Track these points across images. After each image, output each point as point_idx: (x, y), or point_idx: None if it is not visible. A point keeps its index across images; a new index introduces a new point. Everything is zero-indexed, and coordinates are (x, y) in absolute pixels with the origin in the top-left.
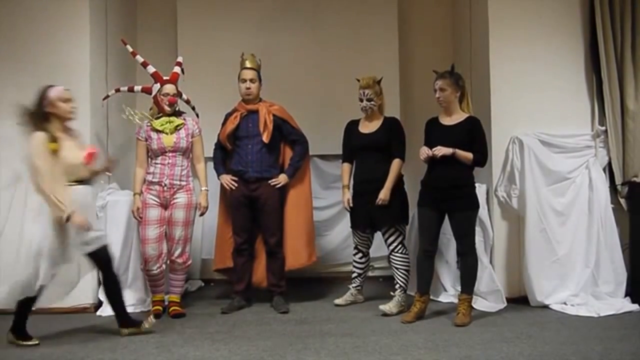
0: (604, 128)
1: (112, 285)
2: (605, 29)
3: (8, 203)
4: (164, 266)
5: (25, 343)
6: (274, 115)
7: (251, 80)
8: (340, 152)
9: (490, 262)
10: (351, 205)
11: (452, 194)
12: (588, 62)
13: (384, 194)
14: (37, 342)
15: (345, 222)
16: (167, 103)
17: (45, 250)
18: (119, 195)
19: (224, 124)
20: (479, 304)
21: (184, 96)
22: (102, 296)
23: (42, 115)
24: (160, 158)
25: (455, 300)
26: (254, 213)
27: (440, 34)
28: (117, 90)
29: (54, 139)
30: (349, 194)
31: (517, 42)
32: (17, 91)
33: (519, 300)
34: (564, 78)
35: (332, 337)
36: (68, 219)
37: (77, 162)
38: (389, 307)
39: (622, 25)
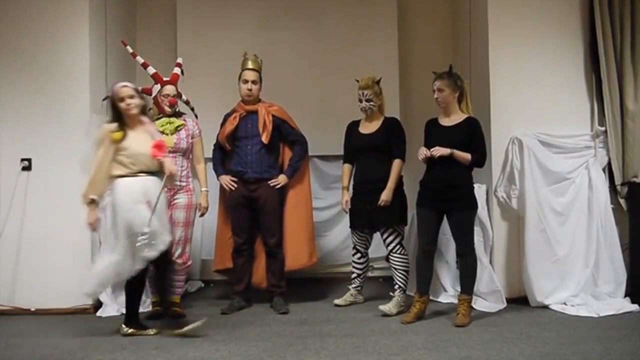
0: (603, 128)
1: (140, 282)
2: (604, 29)
3: (8, 202)
4: None
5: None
6: (273, 115)
7: (253, 82)
8: (340, 152)
9: (490, 262)
10: (349, 207)
11: (450, 195)
12: (588, 62)
13: (386, 195)
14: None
15: (345, 222)
16: (168, 104)
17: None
18: None
19: (222, 124)
20: (478, 304)
21: (184, 97)
22: (102, 297)
23: (117, 111)
24: None
25: (455, 301)
26: (253, 213)
27: (440, 33)
28: None
29: (120, 129)
30: (347, 196)
31: (516, 41)
32: (16, 90)
33: (519, 301)
34: (563, 78)
35: (332, 337)
36: (87, 203)
37: (141, 152)
38: (389, 307)
39: (622, 25)
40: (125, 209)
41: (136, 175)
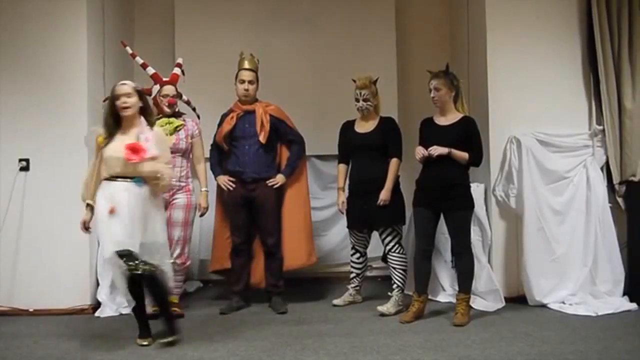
0: (601, 127)
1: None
2: (602, 28)
3: (6, 203)
4: None
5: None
6: (270, 115)
7: (250, 82)
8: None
9: (489, 261)
10: (345, 208)
11: (447, 194)
12: (585, 62)
13: (384, 195)
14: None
15: (343, 222)
16: (167, 104)
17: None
18: None
19: (220, 124)
20: (477, 303)
21: (184, 97)
22: (100, 297)
23: (115, 112)
24: None
25: (454, 300)
26: (251, 213)
27: (438, 34)
28: None
29: (110, 132)
30: (343, 197)
31: (514, 41)
32: (14, 91)
33: (518, 300)
34: (561, 77)
35: (331, 337)
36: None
37: (112, 156)
38: (387, 307)
39: (619, 25)
40: (97, 219)
41: (110, 180)
